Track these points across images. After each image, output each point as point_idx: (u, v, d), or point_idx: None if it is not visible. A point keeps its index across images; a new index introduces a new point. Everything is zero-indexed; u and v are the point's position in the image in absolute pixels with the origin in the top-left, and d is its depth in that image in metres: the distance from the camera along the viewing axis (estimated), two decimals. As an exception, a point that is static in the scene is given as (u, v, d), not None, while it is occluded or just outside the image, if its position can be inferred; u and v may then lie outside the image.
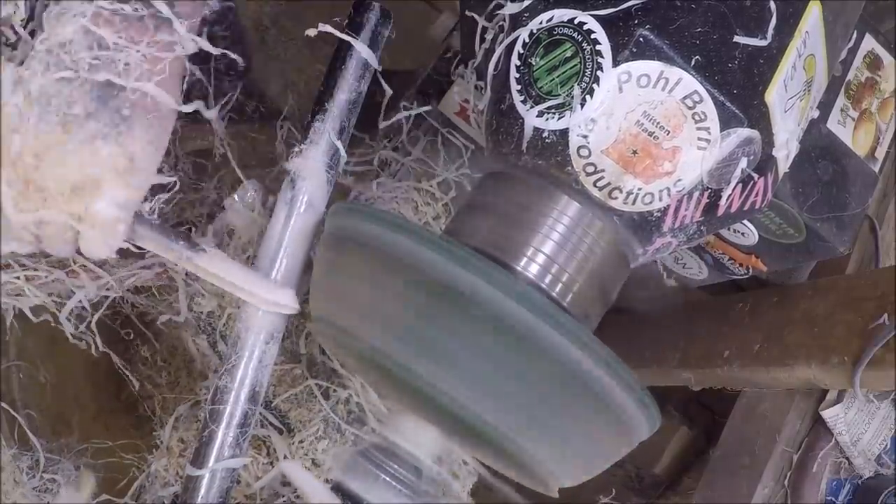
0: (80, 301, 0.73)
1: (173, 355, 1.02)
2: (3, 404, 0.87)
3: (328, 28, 0.64)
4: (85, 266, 0.72)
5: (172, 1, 0.53)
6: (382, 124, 0.76)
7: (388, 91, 0.71)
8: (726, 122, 0.54)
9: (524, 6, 0.58)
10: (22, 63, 0.51)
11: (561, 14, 0.55)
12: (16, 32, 0.53)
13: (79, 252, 0.56)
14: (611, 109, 0.53)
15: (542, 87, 0.55)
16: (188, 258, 0.61)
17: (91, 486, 0.58)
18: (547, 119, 0.55)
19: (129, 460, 0.91)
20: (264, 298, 0.64)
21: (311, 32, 0.63)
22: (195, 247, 0.61)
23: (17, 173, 0.51)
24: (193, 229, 0.86)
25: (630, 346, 1.07)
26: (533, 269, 0.56)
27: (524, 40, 0.57)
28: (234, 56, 0.59)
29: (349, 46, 0.68)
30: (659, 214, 0.56)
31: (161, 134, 0.55)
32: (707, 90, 0.53)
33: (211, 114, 0.62)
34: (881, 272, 0.88)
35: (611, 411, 0.51)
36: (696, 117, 0.53)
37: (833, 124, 0.76)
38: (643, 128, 0.53)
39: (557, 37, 0.55)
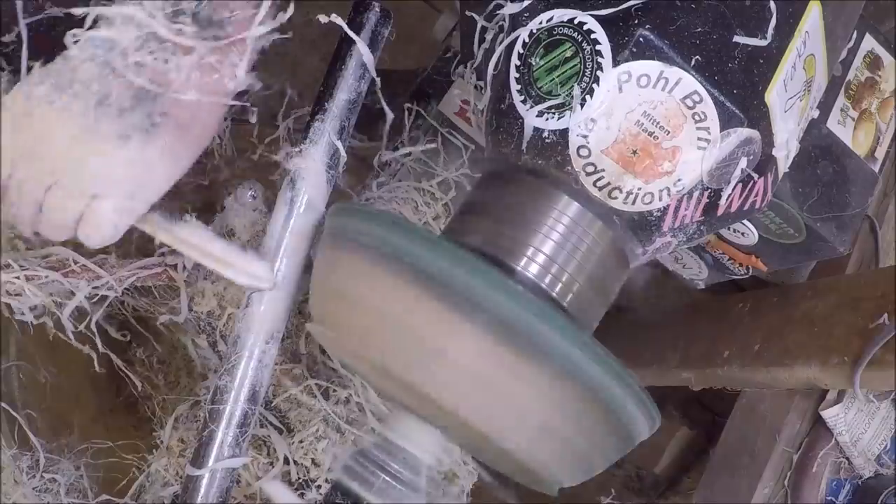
0: (81, 301, 0.73)
1: (173, 355, 1.02)
2: (3, 404, 0.87)
3: (337, 20, 0.63)
4: (85, 266, 0.72)
5: (225, 25, 0.52)
6: (384, 128, 0.76)
7: (390, 115, 0.71)
8: (726, 122, 0.54)
9: (524, 6, 0.58)
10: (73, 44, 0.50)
11: (561, 14, 0.55)
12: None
13: (74, 241, 0.55)
14: (611, 109, 0.53)
15: (542, 87, 0.55)
16: (165, 229, 0.59)
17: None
18: (547, 119, 0.55)
19: (129, 460, 0.91)
20: (242, 271, 0.62)
21: (324, 18, 0.62)
22: (173, 216, 0.59)
23: (33, 142, 0.51)
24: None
25: (630, 346, 1.07)
26: (533, 269, 0.56)
27: (524, 40, 0.57)
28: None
29: (349, 46, 0.68)
30: (659, 214, 0.56)
31: (185, 151, 0.54)
32: (707, 90, 0.53)
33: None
34: (881, 272, 0.88)
35: (610, 411, 0.51)
36: (696, 117, 0.53)
37: (833, 124, 0.76)
38: (643, 128, 0.53)
39: (557, 37, 0.55)
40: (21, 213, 0.54)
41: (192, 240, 0.60)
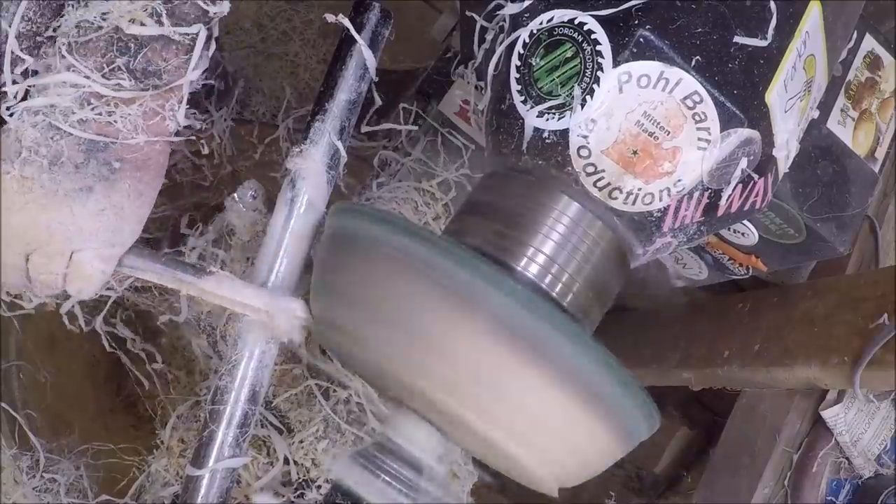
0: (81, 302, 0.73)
1: (173, 355, 1.02)
2: (3, 404, 0.87)
3: (344, 20, 0.64)
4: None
5: (161, 74, 0.54)
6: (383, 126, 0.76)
7: (378, 102, 0.72)
8: (726, 123, 0.54)
9: (524, 6, 0.58)
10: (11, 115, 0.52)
11: (561, 14, 0.55)
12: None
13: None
14: (611, 110, 0.53)
15: (542, 88, 0.55)
16: (190, 283, 0.60)
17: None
18: (547, 119, 0.55)
19: (129, 460, 0.91)
20: (277, 310, 0.63)
21: (330, 18, 0.64)
22: (198, 271, 0.60)
23: (2, 217, 0.52)
24: (195, 229, 0.86)
25: (630, 346, 1.07)
26: (533, 270, 0.56)
27: (524, 40, 0.57)
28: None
29: (349, 46, 0.68)
30: (659, 214, 0.56)
31: (147, 188, 0.56)
32: (707, 90, 0.53)
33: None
34: (881, 272, 0.88)
35: (610, 411, 0.51)
36: (697, 117, 0.53)
37: (833, 124, 0.76)
38: (643, 128, 0.53)
39: (558, 37, 0.55)
40: (10, 282, 0.55)
41: (221, 293, 0.61)
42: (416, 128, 0.87)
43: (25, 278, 0.55)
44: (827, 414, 0.88)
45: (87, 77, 0.52)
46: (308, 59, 1.22)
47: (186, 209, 0.91)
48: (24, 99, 0.53)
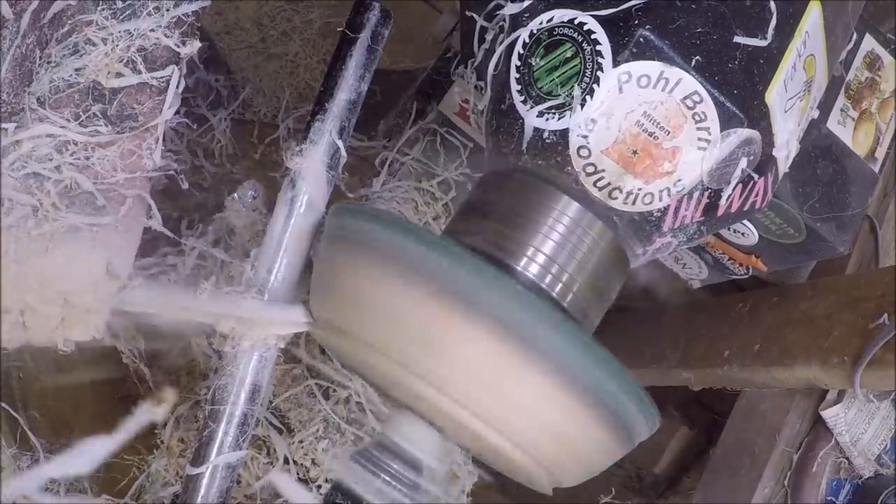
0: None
1: (173, 355, 1.02)
2: (3, 404, 0.87)
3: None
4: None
5: (137, 116, 0.55)
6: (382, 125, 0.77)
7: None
8: (726, 123, 0.54)
9: (524, 6, 0.58)
10: None
11: (561, 14, 0.55)
12: None
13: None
14: (611, 110, 0.53)
15: (542, 88, 0.55)
16: (191, 308, 0.60)
17: (171, 401, 0.58)
18: (547, 119, 0.55)
19: (129, 460, 0.91)
20: (278, 321, 0.63)
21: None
22: (193, 291, 0.60)
23: None
24: (195, 229, 0.86)
25: (630, 346, 1.07)
26: (533, 270, 0.56)
27: (524, 40, 0.57)
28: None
29: (349, 46, 0.68)
30: (659, 214, 0.56)
31: (135, 223, 0.56)
32: (707, 90, 0.53)
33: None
34: (881, 272, 0.88)
35: (610, 411, 0.51)
36: (697, 117, 0.53)
37: (833, 124, 0.76)
38: (643, 128, 0.53)
39: (558, 37, 0.55)
40: (9, 339, 0.54)
41: (217, 310, 0.61)
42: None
43: (22, 330, 0.54)
44: (827, 414, 0.88)
45: (63, 127, 0.53)
46: (308, 59, 1.22)
47: (186, 209, 0.91)
48: None
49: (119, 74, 0.54)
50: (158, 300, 0.59)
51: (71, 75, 0.54)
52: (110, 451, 0.53)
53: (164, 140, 0.57)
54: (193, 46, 0.57)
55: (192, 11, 0.57)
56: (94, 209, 0.53)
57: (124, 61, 0.55)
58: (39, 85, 0.54)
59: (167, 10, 0.56)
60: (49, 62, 0.55)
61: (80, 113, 0.54)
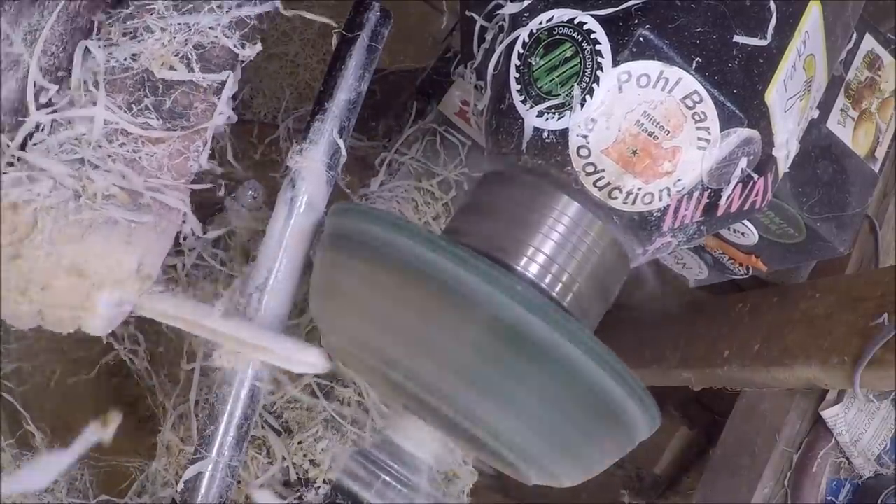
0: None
1: (174, 355, 1.02)
2: (3, 404, 0.87)
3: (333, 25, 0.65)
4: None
5: (189, 116, 0.54)
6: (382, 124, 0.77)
7: None
8: (726, 122, 0.54)
9: (524, 6, 0.58)
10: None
11: (561, 14, 0.55)
12: None
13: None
14: (611, 109, 0.53)
15: (542, 87, 0.55)
16: (197, 326, 0.58)
17: (116, 422, 0.57)
18: (547, 119, 0.55)
19: (129, 460, 0.91)
20: (293, 361, 0.62)
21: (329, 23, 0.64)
22: (205, 309, 0.59)
23: (20, 257, 0.50)
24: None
25: (630, 346, 1.07)
26: (533, 269, 0.56)
27: (524, 40, 0.57)
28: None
29: (349, 46, 0.68)
30: (659, 214, 0.56)
31: (171, 226, 0.55)
32: (707, 90, 0.53)
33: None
34: (881, 272, 0.88)
35: (611, 411, 0.51)
36: (696, 117, 0.53)
37: (833, 124, 0.76)
38: (643, 128, 0.53)
39: (557, 37, 0.55)
40: (22, 314, 0.53)
41: (241, 335, 0.60)
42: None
43: (37, 313, 0.53)
44: (827, 414, 0.88)
45: (115, 113, 0.52)
46: (308, 59, 1.22)
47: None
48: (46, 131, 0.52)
49: (172, 68, 0.54)
50: (174, 311, 0.58)
51: (126, 59, 0.53)
52: (65, 468, 0.54)
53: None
54: (254, 50, 0.56)
55: (256, 14, 0.57)
56: (136, 205, 0.52)
57: (180, 55, 0.54)
58: (95, 61, 0.53)
59: (229, 9, 0.55)
60: (109, 40, 0.54)
61: (133, 103, 0.53)
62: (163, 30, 0.54)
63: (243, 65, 0.57)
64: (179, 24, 0.54)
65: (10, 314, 0.53)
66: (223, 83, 0.56)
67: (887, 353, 0.72)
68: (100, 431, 0.55)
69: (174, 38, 0.54)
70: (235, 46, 0.56)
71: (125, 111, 0.53)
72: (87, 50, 0.54)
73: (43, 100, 0.53)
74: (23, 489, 0.55)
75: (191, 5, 0.55)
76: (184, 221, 0.56)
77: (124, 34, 0.54)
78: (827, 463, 0.89)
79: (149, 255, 0.54)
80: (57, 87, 0.53)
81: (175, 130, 0.54)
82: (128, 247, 0.52)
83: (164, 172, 0.54)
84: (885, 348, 0.72)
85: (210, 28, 0.55)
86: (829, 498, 0.90)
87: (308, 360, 0.62)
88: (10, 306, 0.52)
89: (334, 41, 0.67)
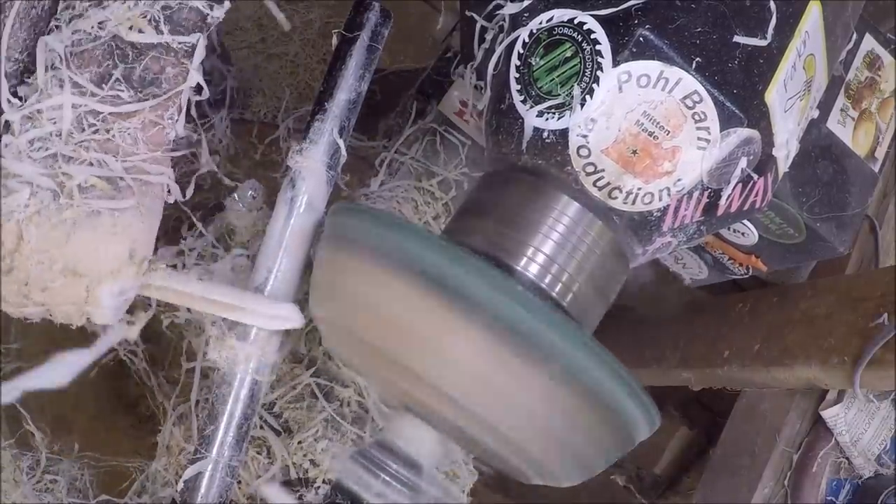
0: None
1: (174, 355, 1.02)
2: (4, 403, 0.87)
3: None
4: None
5: (160, 82, 0.53)
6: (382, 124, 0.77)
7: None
8: (726, 122, 0.54)
9: (524, 6, 0.58)
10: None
11: (561, 14, 0.55)
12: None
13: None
14: (611, 109, 0.53)
15: (542, 87, 0.55)
16: (191, 296, 0.59)
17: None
18: (547, 119, 0.55)
19: (129, 460, 0.91)
20: (266, 315, 0.63)
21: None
22: (195, 280, 0.60)
23: (13, 268, 0.50)
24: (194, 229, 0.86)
25: (630, 346, 1.07)
26: (533, 269, 0.56)
27: (524, 40, 0.57)
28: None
29: (349, 46, 0.68)
30: (659, 214, 0.56)
31: (154, 202, 0.54)
32: (707, 90, 0.53)
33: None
34: (881, 272, 0.88)
35: (610, 411, 0.51)
36: (696, 117, 0.53)
37: (833, 124, 0.76)
38: (643, 128, 0.53)
39: (557, 37, 0.55)
40: (29, 312, 0.53)
41: (210, 295, 0.60)
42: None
43: (45, 310, 0.53)
44: (827, 414, 0.88)
45: (84, 94, 0.51)
46: (308, 59, 1.22)
47: (186, 209, 0.91)
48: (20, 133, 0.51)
49: (140, 31, 0.53)
50: (175, 287, 0.58)
51: (94, 27, 0.52)
52: (85, 364, 0.53)
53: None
54: (222, 10, 0.55)
55: None
56: (116, 189, 0.52)
57: (148, 17, 0.53)
58: (60, 36, 0.52)
59: None
60: (72, 11, 0.53)
61: (103, 75, 0.52)
62: None
63: (211, 27, 0.56)
64: None
65: (20, 315, 0.53)
66: (194, 46, 0.55)
67: (887, 353, 0.72)
68: (125, 330, 0.55)
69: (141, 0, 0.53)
70: (204, 7, 0.55)
71: (95, 86, 0.52)
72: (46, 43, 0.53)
73: (9, 97, 0.52)
74: (41, 386, 0.54)
75: None
76: (168, 192, 0.55)
77: (89, 2, 0.53)
78: (827, 463, 0.89)
79: (138, 238, 0.53)
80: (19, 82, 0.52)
81: (147, 100, 0.53)
82: (115, 236, 0.52)
83: (140, 146, 0.53)
84: (885, 348, 0.72)
85: None
86: (829, 498, 0.89)
87: (282, 314, 0.62)
88: (16, 310, 0.52)
89: (334, 41, 0.67)
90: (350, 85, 0.68)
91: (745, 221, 0.77)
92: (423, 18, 1.17)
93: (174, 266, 0.79)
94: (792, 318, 0.85)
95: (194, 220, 0.76)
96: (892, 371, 0.72)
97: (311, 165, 0.67)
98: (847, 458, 0.90)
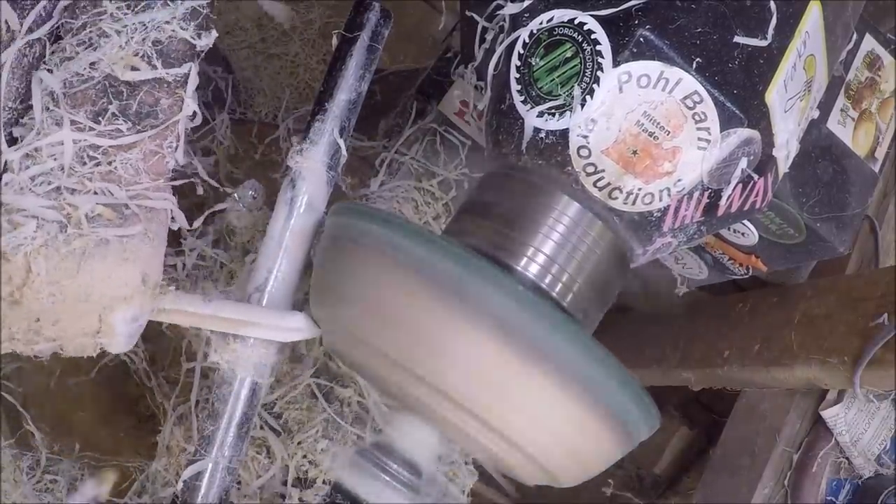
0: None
1: (174, 355, 1.02)
2: (4, 403, 0.87)
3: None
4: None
5: (157, 114, 0.54)
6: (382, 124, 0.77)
7: None
8: (726, 123, 0.54)
9: (524, 6, 0.58)
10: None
11: (561, 14, 0.55)
12: None
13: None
14: (611, 110, 0.53)
15: (542, 88, 0.55)
16: (199, 316, 0.59)
17: (112, 481, 0.57)
18: (547, 119, 0.55)
19: (129, 460, 0.91)
20: (280, 328, 0.62)
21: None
22: (200, 299, 0.59)
23: (22, 303, 0.50)
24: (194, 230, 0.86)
25: (630, 346, 1.07)
26: (533, 270, 0.56)
27: (524, 40, 0.57)
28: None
29: (349, 46, 0.68)
30: (659, 214, 0.56)
31: (161, 228, 0.55)
32: (707, 90, 0.53)
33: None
34: (881, 272, 0.88)
35: (610, 411, 0.51)
36: (697, 117, 0.53)
37: (833, 124, 0.76)
38: (643, 128, 0.53)
39: (558, 37, 0.55)
40: (40, 349, 0.53)
41: (221, 313, 0.60)
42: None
43: (57, 346, 0.53)
44: (827, 414, 0.88)
45: (83, 130, 0.51)
46: (308, 59, 1.22)
47: (186, 209, 0.91)
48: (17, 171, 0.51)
49: (134, 68, 0.53)
50: (186, 308, 0.59)
51: (85, 69, 0.53)
52: None
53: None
54: (210, 38, 0.56)
55: (207, 3, 0.57)
56: (122, 218, 0.52)
57: (140, 55, 0.54)
58: (52, 79, 0.53)
59: (181, 0, 0.55)
60: (63, 54, 0.53)
61: (99, 112, 0.52)
62: (119, 32, 0.54)
63: (201, 55, 0.56)
64: (135, 23, 0.54)
65: (30, 353, 0.53)
66: (186, 76, 0.55)
67: (887, 353, 0.72)
68: (98, 489, 0.55)
69: (132, 38, 0.54)
70: (192, 37, 0.55)
71: (92, 122, 0.52)
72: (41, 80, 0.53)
73: (7, 140, 0.52)
74: None
75: (144, 3, 0.55)
76: (172, 219, 0.56)
77: (79, 45, 0.54)
78: (827, 463, 0.89)
79: (149, 263, 0.53)
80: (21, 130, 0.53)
81: (145, 131, 0.53)
82: (126, 263, 0.52)
83: (142, 176, 0.53)
84: (885, 348, 0.72)
85: (166, 23, 0.55)
86: (829, 498, 0.90)
87: (295, 326, 0.62)
88: (27, 347, 0.52)
89: (335, 41, 0.67)
90: (350, 85, 0.68)
91: (746, 222, 0.77)
92: (423, 18, 1.17)
93: (174, 265, 0.79)
94: (792, 318, 0.85)
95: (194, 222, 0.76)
96: (892, 371, 0.72)
97: (312, 166, 0.67)
98: (847, 458, 0.90)
